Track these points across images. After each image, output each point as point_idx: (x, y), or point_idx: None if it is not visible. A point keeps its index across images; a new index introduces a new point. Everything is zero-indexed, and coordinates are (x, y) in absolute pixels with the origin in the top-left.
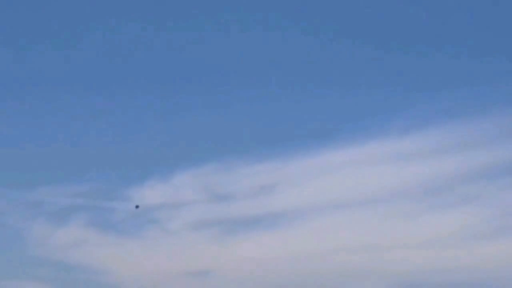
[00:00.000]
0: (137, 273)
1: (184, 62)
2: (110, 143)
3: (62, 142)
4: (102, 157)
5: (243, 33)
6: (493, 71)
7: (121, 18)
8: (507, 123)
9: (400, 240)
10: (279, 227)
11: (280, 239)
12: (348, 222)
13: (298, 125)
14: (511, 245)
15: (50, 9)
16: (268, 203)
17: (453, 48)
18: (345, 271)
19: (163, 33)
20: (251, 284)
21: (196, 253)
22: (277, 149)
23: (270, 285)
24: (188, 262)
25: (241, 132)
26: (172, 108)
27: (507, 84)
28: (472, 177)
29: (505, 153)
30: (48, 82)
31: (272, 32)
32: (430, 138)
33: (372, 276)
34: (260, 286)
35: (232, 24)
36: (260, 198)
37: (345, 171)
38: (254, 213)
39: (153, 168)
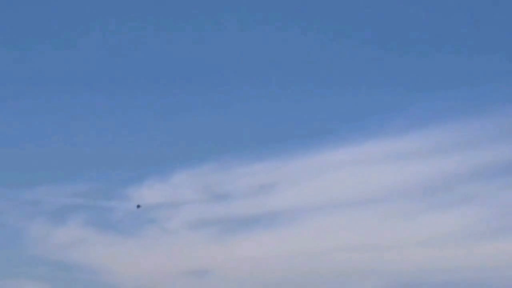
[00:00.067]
0: (136, 272)
1: (184, 62)
2: (109, 143)
3: (60, 141)
4: (100, 156)
5: (242, 33)
6: (492, 70)
7: (121, 18)
8: (507, 123)
9: (399, 239)
10: (278, 226)
11: (280, 238)
12: (348, 221)
13: (298, 124)
14: (510, 245)
15: (50, 9)
16: (267, 202)
17: (453, 48)
18: (344, 270)
19: (163, 33)
20: (251, 284)
21: (195, 252)
22: (276, 148)
23: (270, 284)
24: (187, 262)
25: (240, 132)
26: (171, 107)
27: (506, 83)
28: (472, 176)
29: (505, 153)
30: (47, 81)
31: (271, 31)
32: (429, 138)
33: (371, 275)
34: (260, 285)
35: (232, 24)
36: (259, 197)
37: (345, 171)
38: (253, 212)
39: (152, 168)
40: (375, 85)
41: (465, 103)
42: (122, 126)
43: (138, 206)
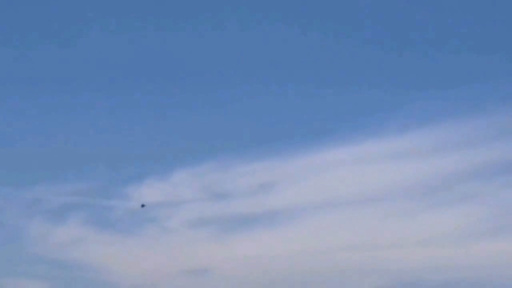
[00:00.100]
0: (136, 271)
1: (184, 62)
2: (109, 142)
3: (60, 140)
4: (100, 155)
5: (242, 33)
6: (491, 70)
7: (121, 18)
8: (506, 122)
9: (399, 238)
10: (277, 225)
11: (279, 237)
12: (347, 220)
13: (297, 123)
14: (509, 243)
15: (50, 9)
16: (266, 201)
17: (452, 47)
18: (344, 269)
19: (163, 33)
20: (250, 282)
21: (195, 251)
22: (275, 148)
23: (269, 283)
24: (186, 260)
25: (239, 131)
26: (171, 107)
27: (505, 83)
28: (471, 175)
29: (503, 152)
30: (47, 81)
31: (271, 31)
32: (428, 137)
33: (371, 274)
34: (259, 284)
35: (232, 24)
36: (259, 196)
37: (344, 170)
38: (253, 211)
39: (152, 167)
40: (375, 85)
41: (465, 103)
42: (122, 125)
43: (143, 206)
